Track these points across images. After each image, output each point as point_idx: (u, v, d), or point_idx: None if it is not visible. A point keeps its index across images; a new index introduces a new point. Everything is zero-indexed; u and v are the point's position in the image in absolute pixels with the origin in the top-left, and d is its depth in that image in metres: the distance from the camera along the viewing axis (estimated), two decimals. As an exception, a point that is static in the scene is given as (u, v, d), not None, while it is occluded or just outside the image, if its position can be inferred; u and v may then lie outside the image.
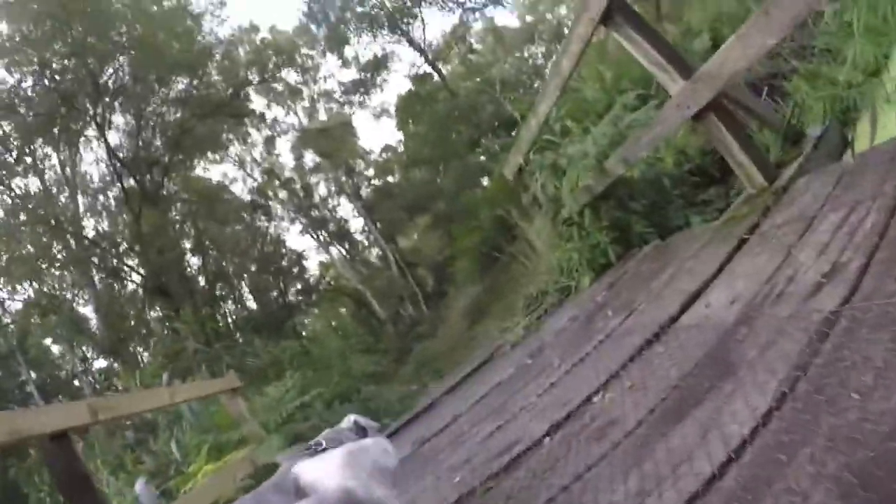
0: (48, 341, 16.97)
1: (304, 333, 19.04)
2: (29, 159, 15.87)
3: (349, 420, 1.06)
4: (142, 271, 15.20)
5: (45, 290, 16.24)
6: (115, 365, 15.03)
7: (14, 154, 15.41)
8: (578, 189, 4.20)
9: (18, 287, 16.23)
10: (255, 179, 26.31)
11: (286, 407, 5.28)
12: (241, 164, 25.79)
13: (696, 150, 4.21)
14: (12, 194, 15.47)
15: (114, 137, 16.84)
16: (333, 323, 21.97)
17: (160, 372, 9.79)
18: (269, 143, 26.88)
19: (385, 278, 25.54)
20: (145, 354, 14.55)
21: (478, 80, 20.92)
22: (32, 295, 16.28)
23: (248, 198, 25.00)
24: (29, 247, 15.42)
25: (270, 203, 25.82)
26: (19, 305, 16.31)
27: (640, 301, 2.74)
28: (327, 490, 0.68)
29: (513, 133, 11.32)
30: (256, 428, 4.85)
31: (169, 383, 8.09)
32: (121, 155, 16.31)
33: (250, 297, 22.60)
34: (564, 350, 2.93)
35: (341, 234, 28.04)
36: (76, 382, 16.79)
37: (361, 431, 1.00)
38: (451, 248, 14.61)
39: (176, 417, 6.29)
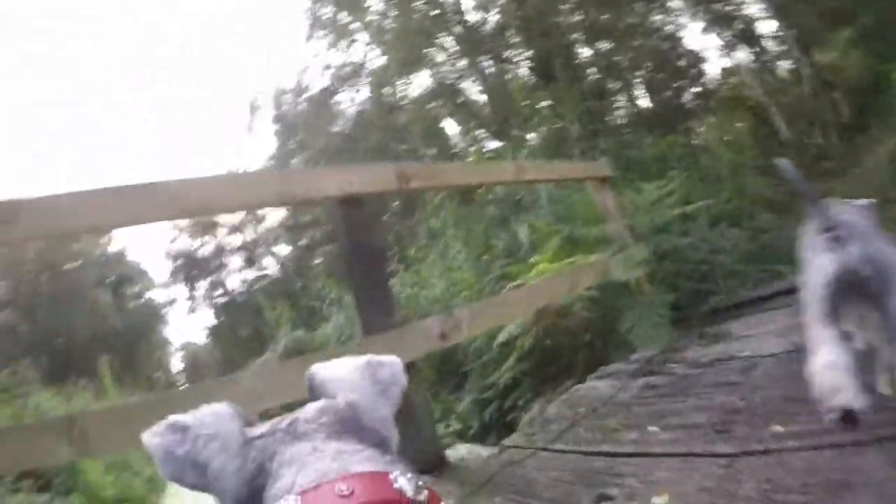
0: (442, 124, 18.73)
1: (693, 141, 16.98)
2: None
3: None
4: (528, 55, 15.00)
5: (437, 78, 17.51)
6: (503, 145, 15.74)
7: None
8: None
9: (413, 77, 17.83)
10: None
11: (664, 212, 4.07)
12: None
13: None
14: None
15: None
16: (727, 137, 19.13)
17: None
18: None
19: (794, 96, 20.70)
20: (528, 136, 14.73)
21: None
22: (427, 82, 17.77)
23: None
24: (418, 38, 16.35)
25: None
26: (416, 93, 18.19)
27: None
28: (334, 397, 0.63)
29: None
30: (622, 229, 3.80)
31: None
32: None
33: (641, 95, 20.94)
34: None
35: (748, 36, 23.36)
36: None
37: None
38: (878, 74, 10.66)
39: (535, 200, 5.71)
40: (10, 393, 8.06)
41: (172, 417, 0.57)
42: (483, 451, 2.58)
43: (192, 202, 2.05)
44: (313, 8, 19.25)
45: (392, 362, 0.72)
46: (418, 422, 2.33)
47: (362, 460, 0.54)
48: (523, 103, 15.61)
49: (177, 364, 42.85)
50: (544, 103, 15.11)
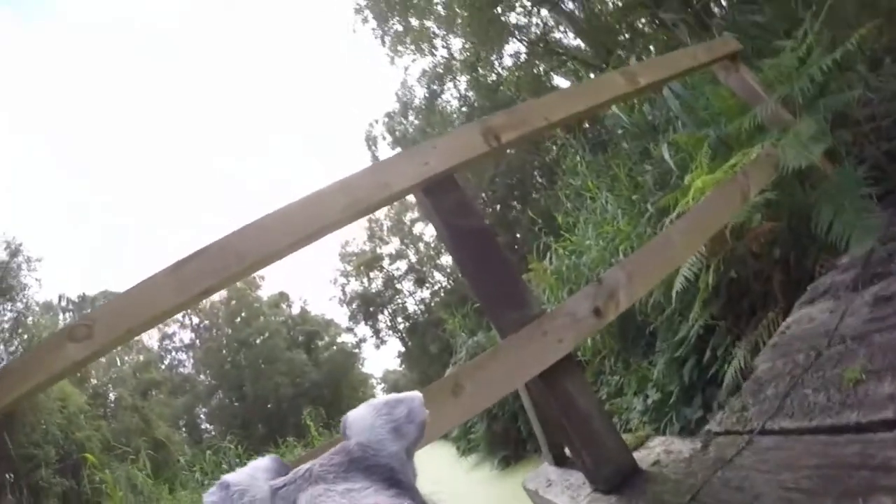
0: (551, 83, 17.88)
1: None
2: None
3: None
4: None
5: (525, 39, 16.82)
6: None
7: None
8: None
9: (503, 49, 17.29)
10: None
11: (811, 71, 3.18)
12: None
13: None
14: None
15: None
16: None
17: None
18: None
19: None
20: (632, 59, 13.52)
21: None
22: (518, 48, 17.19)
23: None
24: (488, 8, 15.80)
25: None
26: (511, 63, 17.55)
27: None
28: (349, 440, 0.71)
29: None
30: (775, 108, 3.03)
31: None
32: None
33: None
34: None
35: None
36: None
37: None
38: None
39: (665, 116, 4.94)
40: (228, 463, 8.74)
41: (223, 477, 0.67)
42: (683, 447, 1.99)
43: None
44: (379, 29, 19.52)
45: (410, 399, 0.76)
46: (592, 430, 1.89)
47: (368, 495, 0.61)
48: (621, 26, 14.29)
49: (380, 393, 45.71)
50: (643, 20, 13.72)
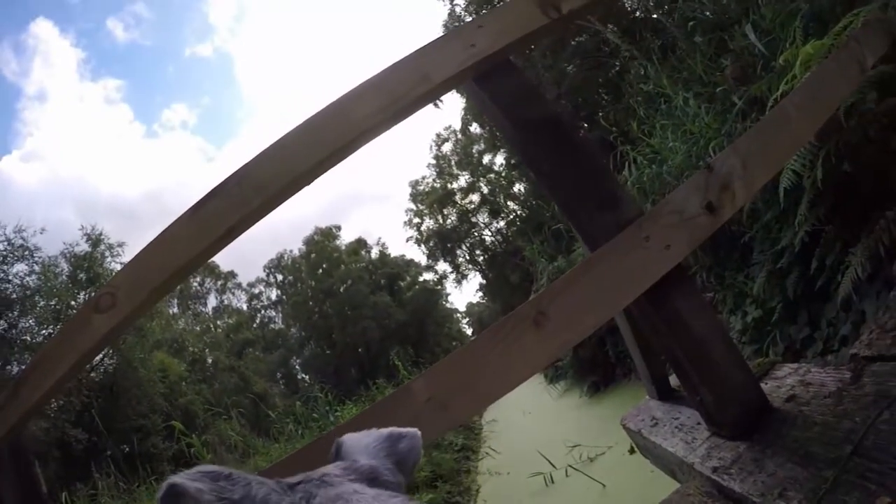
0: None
1: None
2: None
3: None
4: None
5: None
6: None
7: None
8: None
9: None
10: None
11: None
12: None
13: None
14: None
15: None
16: None
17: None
18: None
19: None
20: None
21: None
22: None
23: None
24: None
25: None
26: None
27: None
28: (358, 460, 0.70)
29: None
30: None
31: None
32: None
33: None
34: None
35: None
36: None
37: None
38: None
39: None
40: (318, 412, 9.04)
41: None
42: (825, 377, 1.59)
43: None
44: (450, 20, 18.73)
45: (412, 435, 0.76)
46: (711, 359, 1.57)
47: (400, 502, 0.60)
48: None
49: (465, 328, 46.95)
50: None
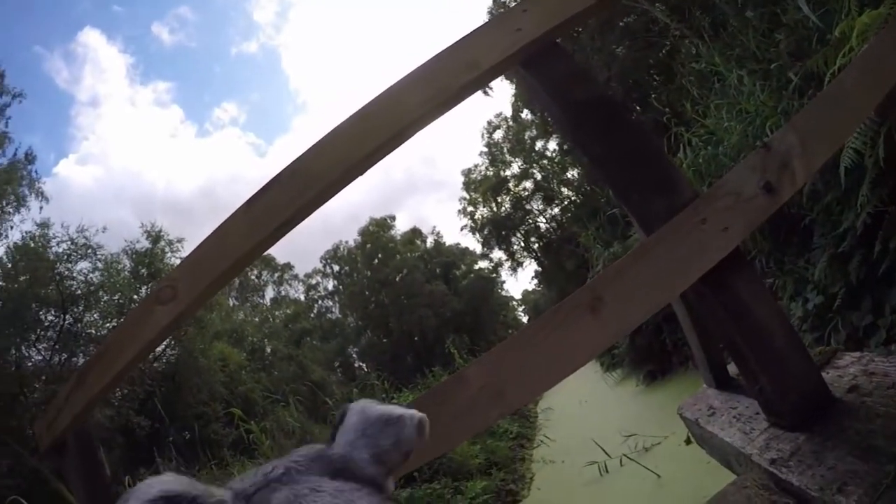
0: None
1: None
2: None
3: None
4: None
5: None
6: None
7: None
8: None
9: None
10: None
11: None
12: None
13: None
14: None
15: None
16: None
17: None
18: None
19: None
20: None
21: None
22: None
23: None
24: None
25: None
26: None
27: None
28: (338, 443, 0.70)
29: None
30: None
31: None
32: None
33: None
34: None
35: None
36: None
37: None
38: None
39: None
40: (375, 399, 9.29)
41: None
42: (890, 367, 1.55)
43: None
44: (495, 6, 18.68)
45: (406, 420, 0.72)
46: (772, 347, 1.54)
47: (362, 497, 0.61)
48: None
49: (521, 316, 46.81)
50: None
